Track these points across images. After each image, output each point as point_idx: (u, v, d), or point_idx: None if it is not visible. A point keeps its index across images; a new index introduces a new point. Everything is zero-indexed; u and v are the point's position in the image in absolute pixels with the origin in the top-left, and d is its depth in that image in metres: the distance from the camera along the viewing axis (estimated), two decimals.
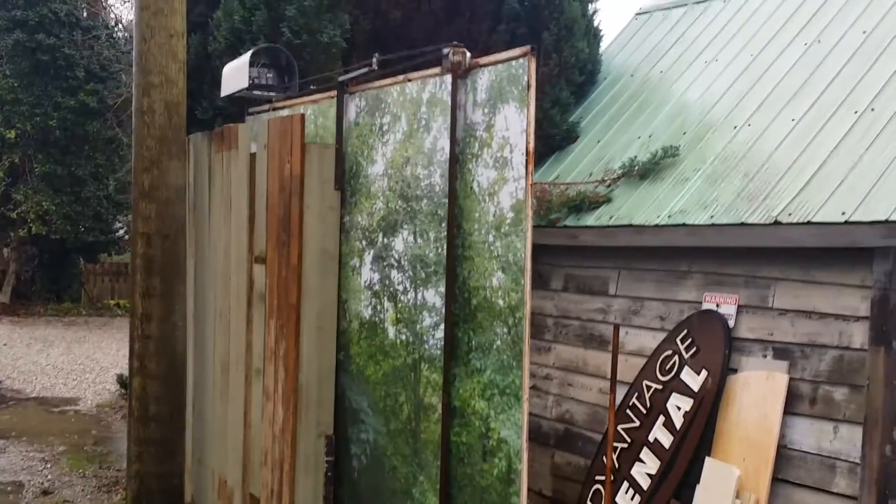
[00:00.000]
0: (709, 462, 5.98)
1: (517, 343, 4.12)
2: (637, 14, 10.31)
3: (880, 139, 5.80)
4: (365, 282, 5.27)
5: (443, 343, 4.60)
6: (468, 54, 4.49)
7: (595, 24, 9.10)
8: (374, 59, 5.15)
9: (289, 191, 5.42)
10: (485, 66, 4.41)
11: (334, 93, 5.55)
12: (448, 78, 4.59)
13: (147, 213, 6.22)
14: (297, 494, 5.36)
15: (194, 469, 6.91)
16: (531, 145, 4.12)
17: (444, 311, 4.57)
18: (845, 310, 5.48)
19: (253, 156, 5.94)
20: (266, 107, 6.48)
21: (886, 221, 5.14)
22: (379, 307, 5.14)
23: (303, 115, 5.44)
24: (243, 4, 7.76)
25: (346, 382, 5.45)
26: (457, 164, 4.54)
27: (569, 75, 8.61)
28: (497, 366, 4.22)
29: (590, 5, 9.05)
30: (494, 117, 4.32)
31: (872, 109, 6.09)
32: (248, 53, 6.22)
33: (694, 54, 8.38)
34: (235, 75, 6.26)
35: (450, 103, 4.57)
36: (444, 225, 4.61)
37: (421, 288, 4.82)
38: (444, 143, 4.61)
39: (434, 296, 4.70)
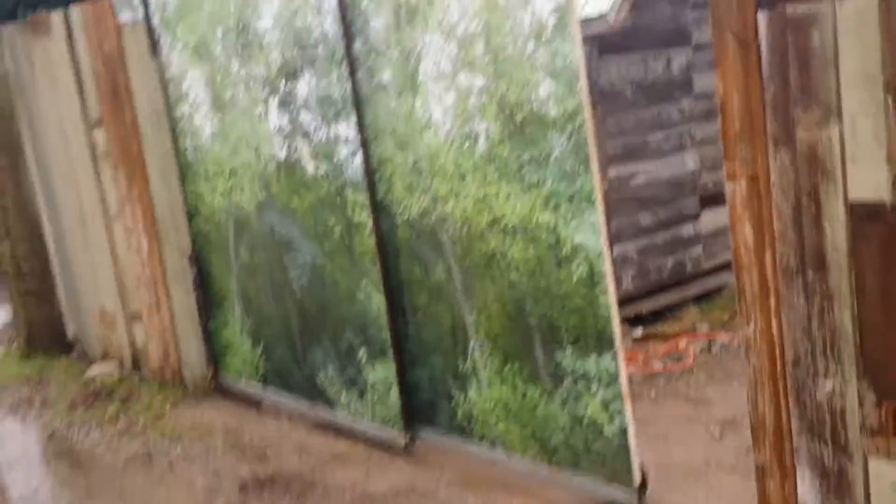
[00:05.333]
0: None
1: (581, 148, 3.82)
2: None
3: None
4: (274, 127, 5.29)
5: (363, 167, 4.79)
6: None
7: None
8: None
9: (112, 64, 6.14)
10: None
11: None
12: None
13: None
14: (172, 300, 6.41)
15: (72, 311, 7.62)
16: None
17: (359, 139, 4.76)
18: None
19: (71, 39, 6.44)
20: None
21: None
22: (293, 147, 5.21)
23: (111, 2, 6.03)
24: None
25: (272, 219, 5.54)
26: (344, 7, 4.62)
27: None
28: (559, 175, 3.92)
29: None
30: None
31: None
32: None
33: None
34: None
35: None
36: (344, 64, 4.73)
37: (333, 124, 4.89)
38: None
39: (347, 128, 4.85)
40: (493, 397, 4.51)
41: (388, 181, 4.72)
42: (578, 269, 3.97)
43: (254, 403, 6.05)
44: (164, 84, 5.96)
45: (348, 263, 5.16)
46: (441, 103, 4.33)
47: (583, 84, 3.79)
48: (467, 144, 4.26)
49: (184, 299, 6.32)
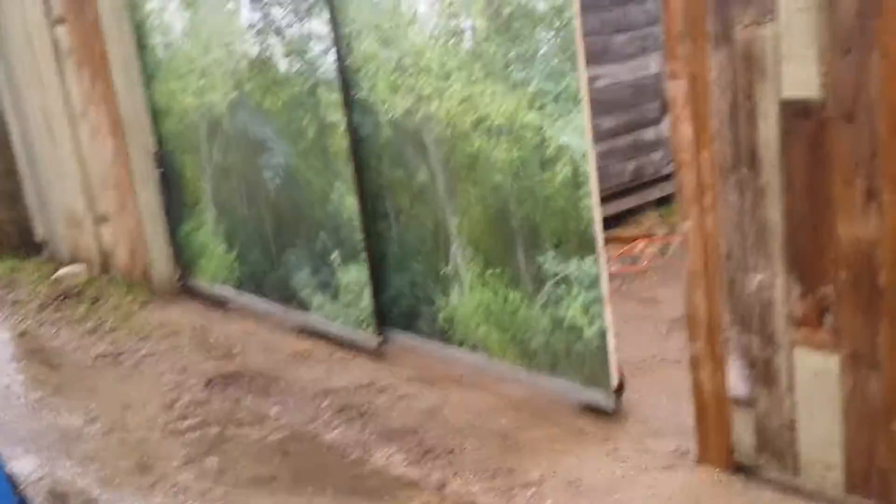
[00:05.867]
0: None
1: (569, 46, 3.71)
2: None
3: None
4: (246, 22, 5.13)
5: (336, 65, 4.68)
6: None
7: None
8: None
9: None
10: None
11: None
12: None
13: None
14: (139, 202, 6.26)
15: (40, 212, 7.48)
16: None
17: (332, 35, 4.65)
18: None
19: None
20: None
21: None
22: (265, 44, 5.06)
23: None
24: None
25: (245, 118, 5.41)
26: None
27: None
28: (546, 73, 3.80)
29: None
30: None
31: None
32: None
33: None
34: None
35: None
36: None
37: (305, 19, 4.75)
38: None
39: (320, 24, 4.72)
40: (474, 301, 4.45)
41: (371, 79, 4.57)
42: (562, 171, 3.88)
43: (222, 304, 6.02)
44: None
45: (322, 164, 5.05)
46: None
47: None
48: (453, 41, 4.12)
49: (151, 201, 6.22)
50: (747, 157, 3.17)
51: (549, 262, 4.06)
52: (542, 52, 3.81)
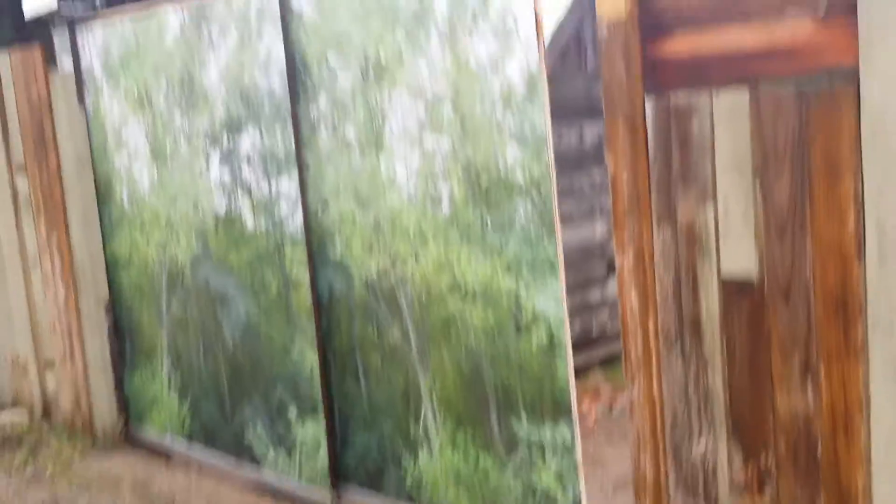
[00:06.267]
0: None
1: (545, 215, 3.79)
2: None
3: None
4: (215, 180, 5.21)
5: (303, 225, 4.78)
6: None
7: None
8: None
9: (39, 111, 6.13)
10: None
11: (146, 5, 5.47)
12: None
13: None
14: (87, 349, 6.24)
15: None
16: (540, 11, 3.69)
17: (300, 198, 4.76)
18: None
19: None
20: (78, 22, 5.97)
21: None
22: (234, 201, 5.14)
23: (43, 46, 6.01)
24: None
25: (207, 272, 5.42)
26: (293, 66, 4.67)
27: None
28: (523, 241, 3.87)
29: None
30: None
31: None
32: None
33: None
34: None
35: (279, 13, 4.65)
36: (288, 122, 4.73)
37: (274, 180, 4.90)
38: (279, 50, 4.69)
39: (288, 185, 4.84)
40: (444, 463, 4.38)
41: (346, 239, 4.59)
42: (538, 336, 3.90)
43: (168, 456, 5.87)
44: (100, 132, 5.88)
45: (283, 320, 5.03)
46: (405, 163, 4.24)
47: (550, 151, 3.76)
48: (430, 206, 4.17)
49: (98, 349, 6.15)
50: (691, 328, 3.30)
51: (523, 426, 4.04)
52: (519, 220, 3.88)
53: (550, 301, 3.84)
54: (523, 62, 3.74)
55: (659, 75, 3.26)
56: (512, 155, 3.85)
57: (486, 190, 3.96)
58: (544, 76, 3.71)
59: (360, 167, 4.44)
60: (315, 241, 4.75)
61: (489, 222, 3.98)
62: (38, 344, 6.64)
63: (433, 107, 4.09)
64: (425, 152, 4.15)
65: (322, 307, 4.80)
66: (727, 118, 3.11)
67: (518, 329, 3.96)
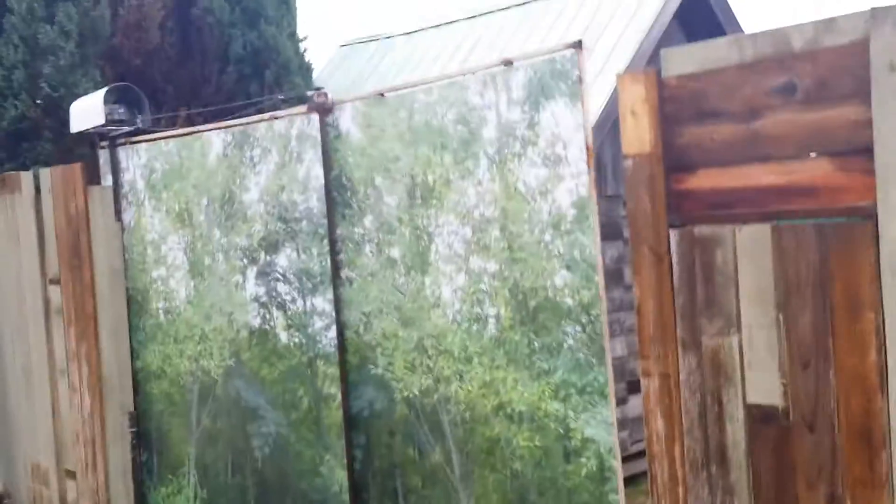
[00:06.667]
0: None
1: (595, 340, 3.75)
2: (341, 46, 12.29)
3: None
4: (250, 295, 5.23)
5: (336, 341, 4.78)
6: (329, 95, 4.79)
7: (306, 59, 10.15)
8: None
9: (76, 225, 6.19)
10: (520, 64, 3.91)
11: (192, 129, 5.66)
12: (315, 116, 4.76)
13: None
14: (109, 462, 6.15)
15: (4, 463, 7.39)
16: (590, 140, 3.73)
17: (333, 313, 4.78)
18: None
19: (38, 197, 6.49)
20: (122, 140, 6.13)
21: None
22: (268, 316, 5.14)
23: (83, 164, 6.15)
24: (2, 65, 8.05)
25: (239, 386, 5.36)
26: (331, 188, 4.74)
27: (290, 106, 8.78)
28: (571, 365, 3.82)
29: (300, 44, 9.96)
30: (538, 114, 3.85)
31: None
32: (102, 92, 6.00)
33: (386, 80, 8.92)
34: (88, 112, 6.09)
35: (319, 137, 4.75)
36: (325, 241, 4.78)
37: (309, 296, 4.94)
38: (318, 172, 4.76)
39: (323, 302, 4.84)
40: None
41: (388, 356, 4.55)
42: (587, 464, 3.83)
43: None
44: (139, 245, 5.91)
45: (314, 436, 4.96)
46: (451, 283, 4.23)
47: (600, 276, 3.75)
48: (476, 327, 4.15)
49: (120, 459, 6.07)
50: (717, 456, 3.28)
51: None
52: (567, 344, 3.85)
53: (600, 427, 3.78)
54: (573, 187, 3.77)
55: (683, 208, 3.34)
56: (561, 278, 3.84)
57: (534, 312, 3.94)
58: (594, 201, 3.73)
59: (404, 286, 4.44)
60: (353, 358, 4.72)
61: (537, 345, 3.95)
62: (60, 452, 6.55)
63: (480, 229, 4.10)
64: (472, 273, 4.15)
65: (358, 424, 4.73)
66: (750, 251, 3.16)
67: (566, 455, 3.90)
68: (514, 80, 3.93)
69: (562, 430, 3.90)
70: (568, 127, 3.76)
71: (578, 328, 3.81)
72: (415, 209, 4.35)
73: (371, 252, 4.56)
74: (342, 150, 4.66)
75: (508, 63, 3.96)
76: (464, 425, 4.25)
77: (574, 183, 3.76)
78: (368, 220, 4.56)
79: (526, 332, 3.98)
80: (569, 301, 3.83)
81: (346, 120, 4.65)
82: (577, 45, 3.74)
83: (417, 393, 4.45)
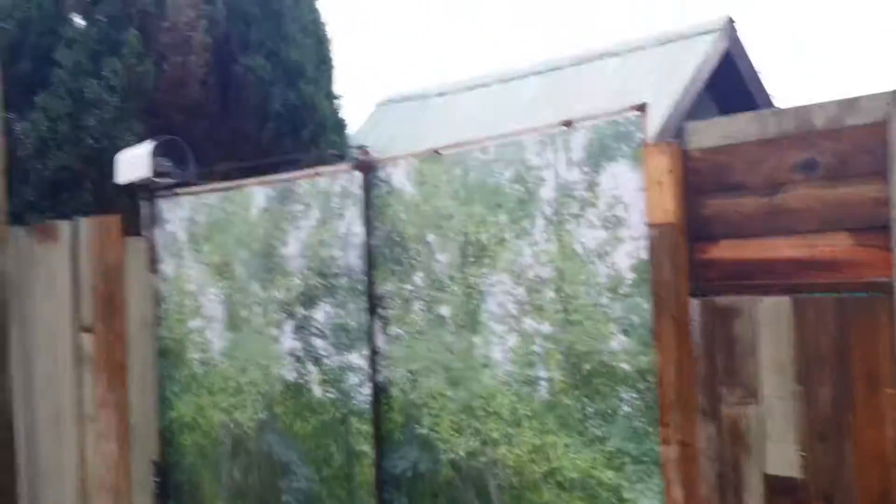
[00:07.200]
0: None
1: (652, 408, 3.64)
2: (378, 104, 12.45)
3: None
4: (286, 349, 5.16)
5: (371, 398, 4.74)
6: (372, 153, 4.88)
7: (341, 117, 10.13)
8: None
9: (111, 274, 6.19)
10: (582, 125, 3.85)
11: (236, 183, 5.65)
12: (358, 174, 4.78)
13: None
14: None
15: None
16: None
17: (369, 370, 4.74)
18: None
19: (75, 246, 6.41)
20: (168, 192, 6.13)
21: None
22: (303, 371, 5.08)
23: (120, 217, 6.11)
24: (48, 116, 7.99)
25: (271, 440, 5.27)
26: (372, 244, 4.72)
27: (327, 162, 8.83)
28: (627, 433, 3.71)
29: (334, 101, 9.94)
30: (598, 176, 3.78)
31: None
32: (150, 144, 6.06)
33: (423, 141, 8.89)
34: (135, 164, 6.16)
35: (361, 195, 4.76)
36: (363, 297, 4.75)
37: (344, 352, 4.89)
38: (358, 229, 4.76)
39: (358, 358, 4.80)
40: None
41: (434, 417, 4.44)
42: None
43: None
44: (177, 296, 5.89)
45: (345, 493, 4.85)
46: (502, 344, 4.13)
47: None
48: (527, 389, 4.04)
49: None
50: None
51: None
52: (623, 411, 3.74)
53: (655, 499, 3.65)
54: (632, 250, 3.68)
55: (704, 278, 3.37)
56: (617, 342, 3.74)
57: (588, 376, 3.83)
58: (652, 266, 3.64)
59: (453, 345, 4.34)
60: (398, 417, 4.62)
61: (590, 410, 3.84)
62: (84, 500, 6.47)
63: (534, 290, 4.01)
64: (524, 335, 4.05)
65: (401, 485, 4.62)
66: (770, 323, 3.19)
67: None
68: (575, 140, 3.87)
69: (615, 501, 3.77)
70: (629, 189, 3.69)
71: (635, 394, 3.70)
72: (467, 267, 4.27)
73: (420, 309, 4.48)
74: (394, 205, 4.60)
75: (568, 123, 3.91)
76: (511, 491, 4.13)
77: (634, 246, 3.67)
78: (419, 277, 4.48)
79: (579, 397, 3.87)
80: (625, 366, 3.72)
81: (399, 176, 4.59)
82: (642, 107, 3.70)
83: (464, 455, 4.33)
